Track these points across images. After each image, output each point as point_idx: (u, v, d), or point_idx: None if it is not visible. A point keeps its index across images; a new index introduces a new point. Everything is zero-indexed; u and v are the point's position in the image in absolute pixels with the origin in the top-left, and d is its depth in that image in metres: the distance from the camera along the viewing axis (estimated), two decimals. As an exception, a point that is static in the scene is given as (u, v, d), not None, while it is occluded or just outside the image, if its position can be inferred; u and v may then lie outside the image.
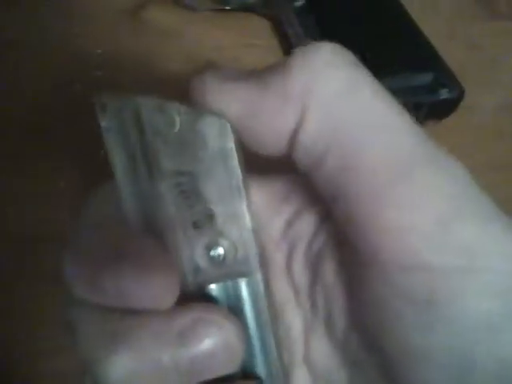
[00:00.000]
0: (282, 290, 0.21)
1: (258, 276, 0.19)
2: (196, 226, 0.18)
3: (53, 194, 0.31)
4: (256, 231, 0.19)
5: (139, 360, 0.16)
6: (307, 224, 0.20)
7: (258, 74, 0.17)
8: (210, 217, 0.18)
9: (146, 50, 0.38)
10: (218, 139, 0.17)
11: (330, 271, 0.19)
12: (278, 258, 0.21)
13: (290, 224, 0.20)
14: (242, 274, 0.19)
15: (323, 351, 0.20)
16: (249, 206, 0.18)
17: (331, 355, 0.20)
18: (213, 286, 0.19)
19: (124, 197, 0.18)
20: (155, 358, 0.16)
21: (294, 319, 0.21)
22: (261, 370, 0.19)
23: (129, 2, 0.40)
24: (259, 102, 0.17)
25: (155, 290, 0.17)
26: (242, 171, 0.18)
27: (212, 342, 0.17)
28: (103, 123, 0.17)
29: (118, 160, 0.18)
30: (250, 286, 0.19)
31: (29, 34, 0.37)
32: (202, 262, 0.19)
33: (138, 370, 0.16)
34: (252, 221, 0.18)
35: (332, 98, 0.16)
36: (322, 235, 0.20)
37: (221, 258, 0.19)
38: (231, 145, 0.18)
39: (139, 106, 0.17)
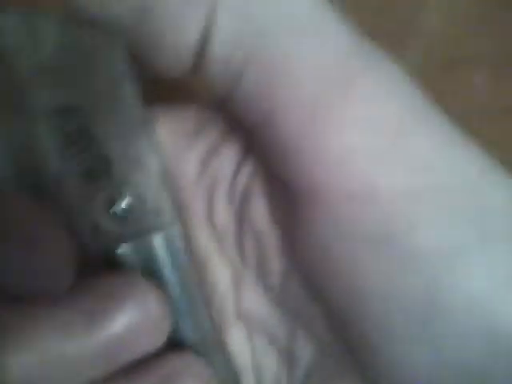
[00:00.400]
0: (204, 240, 0.18)
1: (175, 228, 0.16)
2: (89, 176, 0.14)
3: None
4: (166, 176, 0.15)
5: (39, 357, 0.13)
6: (226, 161, 0.17)
7: None
8: (106, 164, 0.15)
9: None
10: (107, 60, 0.14)
11: (259, 212, 0.16)
12: (195, 205, 0.17)
13: (205, 163, 0.17)
14: (155, 229, 0.15)
15: (258, 303, 0.17)
16: (153, 146, 0.15)
17: (268, 307, 0.17)
18: (121, 248, 0.15)
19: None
20: (58, 352, 0.13)
21: (220, 272, 0.18)
22: (189, 335, 0.16)
23: None
24: (153, 4, 0.13)
25: (46, 270, 0.13)
26: (140, 101, 0.14)
27: (129, 319, 0.14)
28: None
29: None
30: (165, 241, 0.16)
31: None
32: (102, 220, 0.15)
33: (39, 369, 0.13)
34: (160, 164, 0.15)
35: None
36: (245, 172, 0.17)
37: (125, 213, 0.15)
38: (124, 66, 0.14)
39: (4, 22, 0.13)
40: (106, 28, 0.13)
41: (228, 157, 0.17)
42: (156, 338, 0.15)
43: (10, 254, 0.13)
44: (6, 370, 0.13)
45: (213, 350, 0.17)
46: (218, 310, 0.18)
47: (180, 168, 0.17)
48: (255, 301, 0.17)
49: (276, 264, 0.17)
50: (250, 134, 0.15)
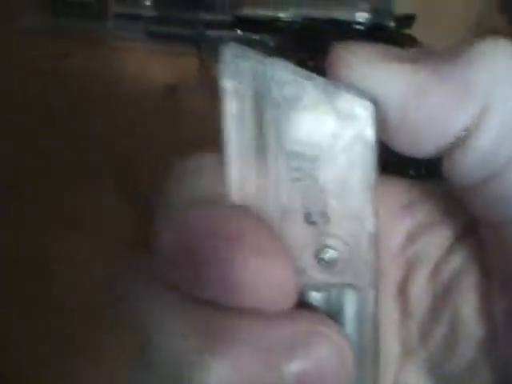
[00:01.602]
0: (389, 308, 0.18)
1: (371, 292, 0.16)
2: (307, 220, 0.15)
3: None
4: (376, 240, 0.16)
5: (240, 370, 0.14)
6: (436, 241, 0.17)
7: (427, 58, 0.14)
8: (326, 212, 0.15)
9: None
10: (356, 123, 0.15)
11: (464, 302, 0.16)
12: (391, 274, 0.18)
13: (412, 238, 0.17)
14: (352, 286, 0.16)
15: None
16: (373, 209, 0.15)
17: None
18: (315, 295, 0.16)
19: (230, 172, 0.15)
20: (258, 369, 0.14)
21: (393, 342, 0.18)
22: None
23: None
24: (429, 90, 0.14)
25: (276, 281, 0.14)
26: (376, 166, 0.15)
27: (325, 358, 0.15)
28: (223, 82, 0.14)
29: (230, 128, 0.15)
30: (358, 301, 0.16)
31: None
32: (308, 263, 0.16)
33: (237, 380, 0.14)
34: (374, 227, 0.15)
35: None
36: (456, 257, 0.17)
37: (330, 262, 0.16)
38: (372, 133, 0.15)
39: (268, 69, 0.14)
40: (363, 93, 0.14)
41: (438, 238, 0.17)
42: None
43: (245, 263, 0.13)
44: (206, 373, 0.14)
45: None
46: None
47: (386, 236, 0.17)
48: (416, 381, 0.18)
49: (465, 358, 0.16)
50: (484, 225, 0.16)
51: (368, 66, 0.14)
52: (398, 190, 0.18)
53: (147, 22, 0.37)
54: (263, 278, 0.14)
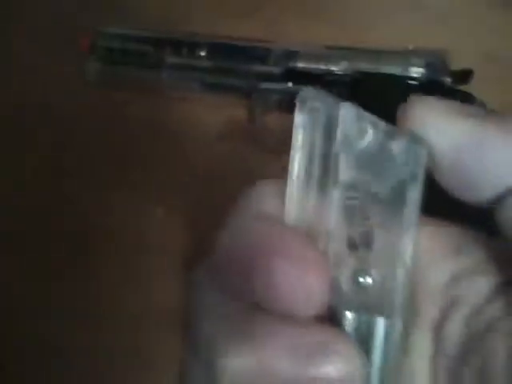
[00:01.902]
0: (424, 344, 0.19)
1: (398, 321, 0.17)
2: (351, 245, 0.17)
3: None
4: (411, 272, 0.17)
5: (260, 365, 0.16)
6: (478, 286, 0.18)
7: (495, 115, 0.16)
8: (368, 240, 0.17)
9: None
10: (407, 164, 0.17)
11: (499, 350, 0.17)
12: (430, 312, 0.18)
13: (455, 279, 0.18)
14: (381, 313, 0.17)
15: None
16: (414, 245, 0.17)
17: None
18: (347, 314, 0.17)
19: (292, 197, 0.17)
20: (277, 368, 0.16)
21: (425, 379, 0.18)
22: None
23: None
24: (491, 141, 0.16)
25: (308, 288, 0.16)
26: (419, 206, 0.17)
27: (335, 371, 0.16)
28: (298, 118, 0.17)
29: (299, 159, 0.17)
30: (385, 327, 0.17)
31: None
32: (345, 284, 0.17)
33: (255, 374, 0.16)
34: (412, 260, 0.17)
35: None
36: (495, 305, 0.17)
37: (366, 287, 0.17)
38: (420, 174, 0.16)
39: (337, 110, 0.17)
40: (419, 139, 0.16)
41: (481, 284, 0.18)
42: None
43: (281, 269, 0.15)
44: (230, 362, 0.16)
45: None
46: None
47: (430, 274, 0.18)
48: None
49: None
50: None
51: (439, 117, 0.16)
52: (451, 233, 0.19)
53: (201, 72, 0.38)
54: (300, 283, 0.16)
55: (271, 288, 0.16)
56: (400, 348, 0.18)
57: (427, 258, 0.18)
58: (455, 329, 0.18)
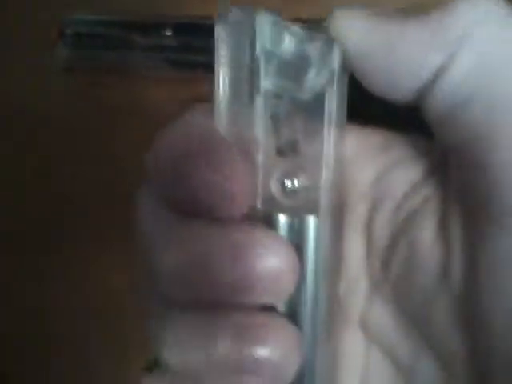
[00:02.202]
0: (356, 243, 0.20)
1: (327, 219, 0.18)
2: (279, 152, 0.18)
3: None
4: (338, 173, 0.18)
5: (191, 258, 0.16)
6: (402, 180, 0.19)
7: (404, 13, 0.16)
8: (294, 146, 0.18)
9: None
10: (323, 67, 0.17)
11: (425, 233, 0.18)
12: (359, 210, 0.20)
13: (380, 177, 0.19)
14: (310, 213, 0.18)
15: (384, 320, 0.19)
16: (337, 146, 0.18)
17: (394, 326, 0.19)
18: (279, 217, 0.18)
19: (220, 111, 0.18)
20: (209, 263, 0.16)
21: (359, 278, 0.19)
22: (304, 319, 0.18)
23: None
24: (405, 34, 0.16)
25: (229, 191, 0.16)
26: (340, 106, 0.17)
27: (267, 266, 0.16)
28: (220, 33, 0.17)
29: (223, 73, 0.17)
30: (316, 227, 0.18)
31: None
32: (275, 190, 0.18)
33: (186, 263, 0.16)
34: (336, 162, 0.18)
35: (488, 44, 0.16)
36: (420, 194, 0.18)
37: (294, 190, 0.18)
38: (338, 76, 0.17)
39: (255, 20, 0.17)
40: (331, 40, 0.17)
41: (405, 177, 0.19)
42: (278, 293, 0.17)
43: (212, 165, 0.16)
44: (163, 259, 0.17)
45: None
46: (345, 310, 0.20)
47: (357, 175, 0.19)
48: (382, 317, 0.19)
49: (420, 286, 0.18)
50: (442, 164, 0.17)
51: (358, 21, 0.17)
52: (375, 136, 0.20)
53: (168, 51, 0.38)
54: (221, 187, 0.16)
55: (195, 191, 0.16)
56: (335, 250, 0.19)
57: (353, 159, 0.19)
58: (383, 221, 0.19)
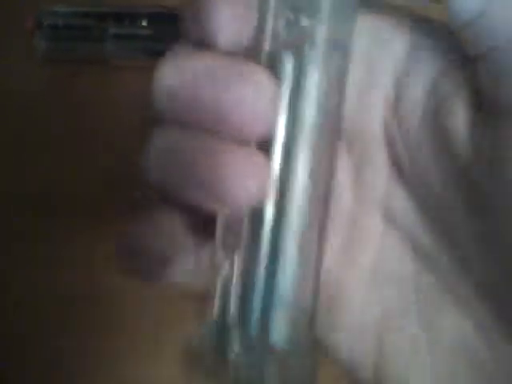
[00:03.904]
0: (377, 129, 0.20)
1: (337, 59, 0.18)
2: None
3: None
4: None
5: (182, 83, 0.17)
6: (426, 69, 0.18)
7: None
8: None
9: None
10: None
11: (454, 118, 0.17)
12: (384, 93, 0.19)
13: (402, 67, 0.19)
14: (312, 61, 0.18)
15: (405, 203, 0.19)
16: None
17: (415, 210, 0.19)
18: (283, 58, 0.18)
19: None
20: (196, 88, 0.17)
21: (383, 164, 0.20)
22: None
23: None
24: None
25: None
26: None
27: (241, 88, 0.16)
28: None
29: None
30: (315, 72, 0.18)
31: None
32: (281, 25, 0.18)
33: (177, 91, 0.17)
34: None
35: None
36: (447, 84, 0.18)
37: (298, 26, 0.18)
38: None
39: None
40: None
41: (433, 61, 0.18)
42: (254, 127, 0.17)
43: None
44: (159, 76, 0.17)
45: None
46: (365, 189, 0.20)
47: (384, 44, 0.19)
48: (404, 199, 0.19)
49: (446, 170, 0.18)
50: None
51: None
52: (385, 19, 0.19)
53: (144, 41, 0.39)
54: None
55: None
56: (335, 102, 0.19)
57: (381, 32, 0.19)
58: (411, 107, 0.18)
